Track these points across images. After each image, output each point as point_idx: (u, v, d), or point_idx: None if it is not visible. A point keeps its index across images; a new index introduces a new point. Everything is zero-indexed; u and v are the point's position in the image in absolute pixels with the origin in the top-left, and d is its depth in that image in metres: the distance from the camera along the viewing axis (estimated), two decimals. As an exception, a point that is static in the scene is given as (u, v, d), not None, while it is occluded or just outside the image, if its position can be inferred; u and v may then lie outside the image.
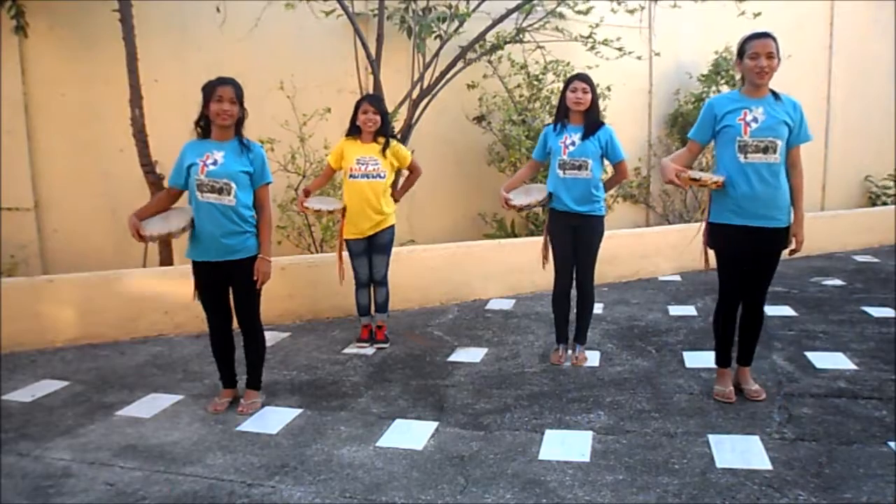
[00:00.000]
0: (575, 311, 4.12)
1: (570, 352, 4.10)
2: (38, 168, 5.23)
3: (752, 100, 3.19)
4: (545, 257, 4.06)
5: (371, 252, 4.33)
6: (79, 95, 5.26)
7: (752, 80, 3.15)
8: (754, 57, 3.11)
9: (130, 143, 4.90)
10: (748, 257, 3.28)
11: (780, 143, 3.14)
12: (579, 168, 3.86)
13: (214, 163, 3.24)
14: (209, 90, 3.24)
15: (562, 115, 3.98)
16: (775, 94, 3.21)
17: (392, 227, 4.35)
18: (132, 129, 4.87)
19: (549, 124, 4.10)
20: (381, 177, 4.21)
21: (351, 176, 4.22)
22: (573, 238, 3.97)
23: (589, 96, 3.86)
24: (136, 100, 4.85)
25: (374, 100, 4.30)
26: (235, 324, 3.50)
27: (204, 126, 3.33)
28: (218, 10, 5.37)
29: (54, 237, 5.31)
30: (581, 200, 3.89)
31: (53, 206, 5.29)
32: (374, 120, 4.17)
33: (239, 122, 3.32)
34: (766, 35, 3.14)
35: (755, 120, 3.14)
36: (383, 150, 4.22)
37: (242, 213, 3.28)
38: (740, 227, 3.21)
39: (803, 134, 3.20)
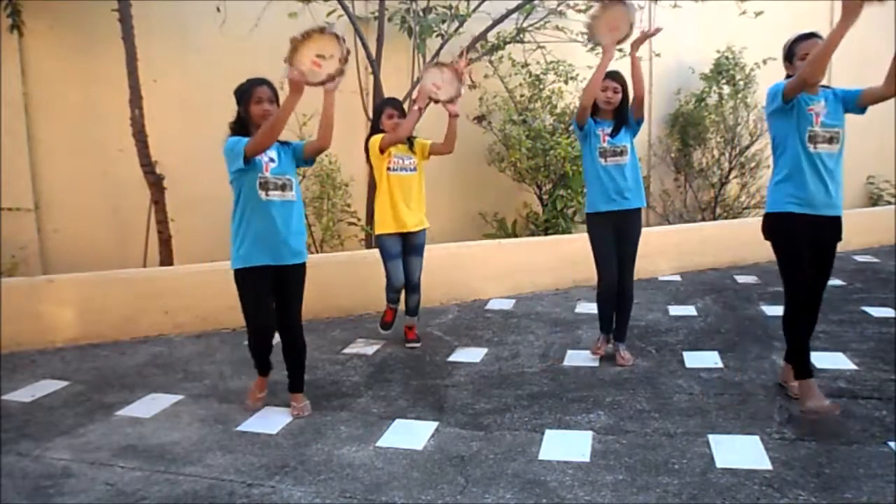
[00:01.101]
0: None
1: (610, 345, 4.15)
2: (38, 168, 5.23)
3: (811, 96, 3.21)
4: None
5: (406, 254, 4.33)
6: (79, 95, 5.26)
7: (811, 80, 3.12)
8: (805, 58, 3.12)
9: (130, 143, 4.90)
10: (810, 251, 3.25)
11: (842, 133, 3.22)
12: (621, 154, 3.86)
13: (271, 160, 3.21)
14: (247, 92, 3.21)
15: (592, 111, 3.94)
16: (828, 88, 3.28)
17: (426, 229, 4.39)
18: (132, 129, 4.87)
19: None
20: (415, 170, 4.30)
21: (392, 169, 4.23)
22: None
23: (619, 96, 3.86)
24: (135, 100, 4.85)
25: (396, 104, 4.36)
26: None
27: (240, 128, 3.23)
28: (218, 10, 5.37)
29: (54, 237, 5.31)
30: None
31: (53, 206, 5.29)
32: (401, 123, 4.21)
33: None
34: (814, 35, 3.19)
35: (819, 113, 3.20)
36: (411, 147, 4.30)
37: (301, 211, 3.32)
38: (804, 217, 3.20)
39: (850, 92, 3.27)
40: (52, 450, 3.04)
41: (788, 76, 3.28)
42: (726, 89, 7.43)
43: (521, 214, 6.75)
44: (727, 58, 7.37)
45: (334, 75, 3.13)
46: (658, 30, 3.88)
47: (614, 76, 3.85)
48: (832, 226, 3.26)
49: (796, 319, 3.26)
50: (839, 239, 3.30)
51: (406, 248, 4.33)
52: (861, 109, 3.27)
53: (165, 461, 2.92)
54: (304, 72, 3.08)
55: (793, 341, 3.28)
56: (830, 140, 3.20)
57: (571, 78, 6.42)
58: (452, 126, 4.23)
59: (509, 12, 5.73)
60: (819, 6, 8.31)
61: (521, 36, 6.06)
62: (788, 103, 3.17)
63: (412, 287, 4.40)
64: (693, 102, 7.42)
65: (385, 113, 4.28)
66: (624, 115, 3.90)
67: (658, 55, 7.11)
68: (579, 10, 6.08)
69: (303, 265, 3.33)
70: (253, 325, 3.30)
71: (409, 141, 4.30)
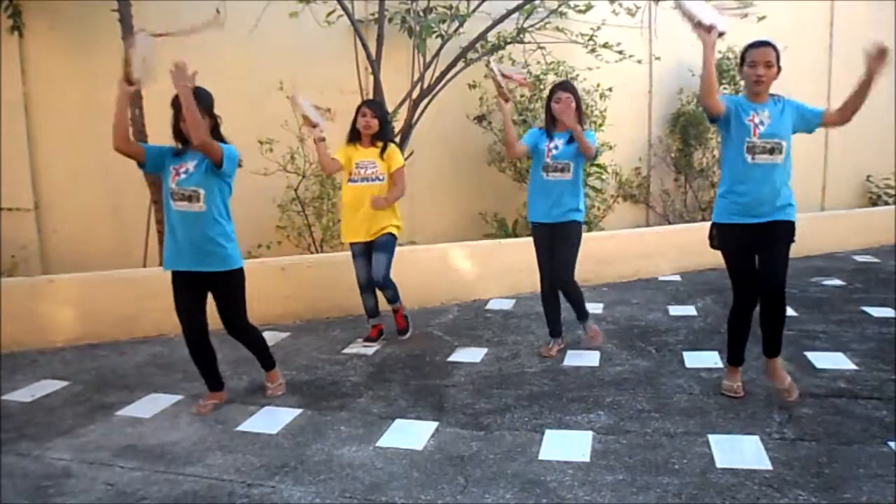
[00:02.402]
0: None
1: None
2: (38, 168, 5.23)
3: (756, 104, 3.24)
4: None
5: (373, 251, 4.31)
6: (79, 95, 5.26)
7: (751, 87, 3.22)
8: (752, 65, 3.19)
9: (130, 143, 4.89)
10: (753, 251, 3.30)
11: (785, 144, 3.19)
12: (562, 171, 3.97)
13: (186, 172, 3.27)
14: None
15: (549, 123, 4.07)
16: (774, 98, 3.27)
17: (391, 233, 4.29)
18: (132, 129, 4.87)
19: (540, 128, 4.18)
20: (379, 180, 4.22)
21: (350, 180, 4.24)
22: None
23: (573, 105, 3.93)
24: (135, 100, 4.85)
25: (372, 104, 4.32)
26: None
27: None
28: (218, 10, 5.36)
29: (54, 237, 5.31)
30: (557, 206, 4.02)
31: (53, 206, 5.29)
32: (370, 123, 4.19)
33: (214, 129, 3.31)
34: (765, 43, 3.21)
35: (762, 123, 3.20)
36: (381, 154, 4.24)
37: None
38: (745, 226, 3.25)
39: (809, 110, 3.25)
40: (52, 450, 3.04)
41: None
42: (727, 90, 7.42)
43: (521, 214, 6.74)
44: (728, 58, 7.36)
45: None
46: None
47: (565, 86, 3.99)
48: (775, 227, 3.24)
49: (733, 322, 3.44)
50: (786, 239, 3.27)
51: (373, 247, 4.31)
52: (811, 129, 3.30)
53: (165, 461, 2.92)
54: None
55: (730, 334, 3.48)
56: (771, 151, 3.18)
57: (571, 78, 6.41)
58: (390, 194, 4.24)
59: (509, 12, 5.73)
60: (818, 6, 8.31)
61: (522, 36, 6.06)
62: (711, 118, 3.26)
63: (381, 284, 4.32)
64: (694, 102, 7.41)
65: (359, 111, 4.26)
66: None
67: (658, 58, 7.12)
68: (579, 11, 6.09)
69: (225, 272, 3.33)
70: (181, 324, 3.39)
71: (384, 146, 4.24)
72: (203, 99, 3.26)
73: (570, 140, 3.96)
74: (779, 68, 3.21)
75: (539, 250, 4.15)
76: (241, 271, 3.38)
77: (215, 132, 3.30)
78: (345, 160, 4.27)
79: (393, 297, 4.44)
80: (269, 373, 3.67)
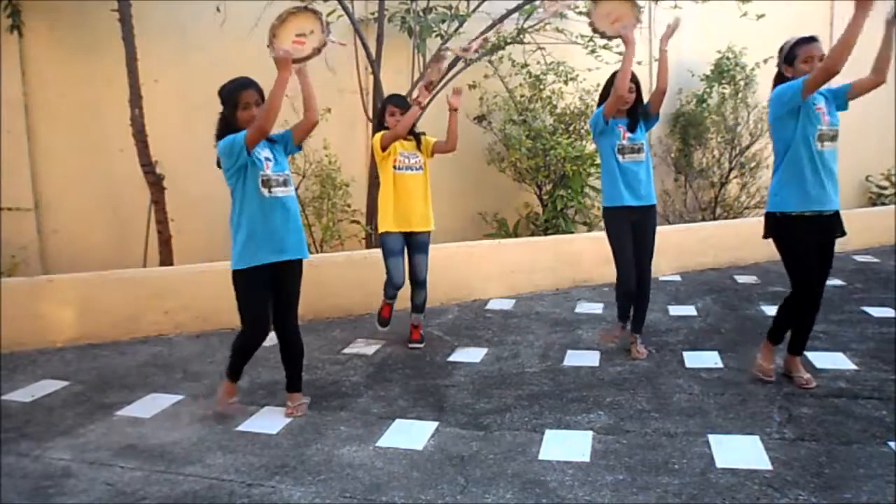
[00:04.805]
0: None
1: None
2: (38, 168, 5.23)
3: (815, 96, 3.28)
4: None
5: (411, 252, 4.31)
6: (79, 95, 5.26)
7: (818, 83, 3.20)
8: (808, 61, 3.23)
9: (130, 143, 4.90)
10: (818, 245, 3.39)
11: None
12: (639, 151, 3.99)
13: (268, 160, 3.21)
14: (233, 96, 3.15)
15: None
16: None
17: (430, 231, 4.33)
18: (132, 128, 4.87)
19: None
20: (421, 169, 4.26)
21: (397, 168, 4.20)
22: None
23: (633, 95, 3.94)
24: (135, 100, 4.85)
25: (398, 102, 4.29)
26: None
27: (226, 133, 3.15)
28: (218, 9, 5.37)
29: (54, 237, 5.31)
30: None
31: (53, 206, 5.29)
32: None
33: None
34: (815, 39, 3.27)
35: (825, 112, 3.30)
36: (418, 145, 4.28)
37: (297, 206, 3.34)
38: (815, 216, 3.32)
39: (837, 88, 3.36)
40: (52, 450, 3.04)
41: (786, 78, 3.29)
42: (727, 89, 7.42)
43: (521, 214, 6.75)
44: (728, 58, 7.37)
45: (319, 48, 3.17)
46: (678, 20, 3.89)
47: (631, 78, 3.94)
48: (833, 221, 3.37)
49: (789, 313, 3.51)
50: (842, 233, 3.40)
51: (410, 246, 4.31)
52: (846, 105, 3.39)
53: (165, 461, 2.92)
54: (289, 50, 3.11)
55: (779, 324, 3.58)
56: (833, 138, 3.31)
57: (571, 79, 6.42)
58: (452, 122, 4.20)
59: (509, 12, 5.73)
60: (818, 6, 8.31)
61: (521, 37, 6.06)
62: (805, 100, 3.24)
63: (419, 284, 4.36)
64: (694, 103, 7.42)
65: (387, 110, 4.25)
66: (637, 114, 3.98)
67: (657, 60, 7.10)
68: (579, 13, 6.08)
69: (302, 261, 3.34)
70: (250, 326, 3.25)
71: (416, 138, 4.28)
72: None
73: (633, 125, 3.97)
74: None
75: (624, 238, 3.99)
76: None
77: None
78: (391, 150, 4.20)
79: (423, 305, 4.44)
80: (292, 395, 3.45)
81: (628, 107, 3.95)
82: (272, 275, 3.23)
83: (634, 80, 3.94)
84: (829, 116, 3.31)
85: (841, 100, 3.37)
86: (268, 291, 3.24)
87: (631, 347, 4.17)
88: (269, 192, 3.16)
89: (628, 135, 3.96)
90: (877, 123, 8.54)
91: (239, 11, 5.50)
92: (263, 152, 3.21)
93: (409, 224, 4.23)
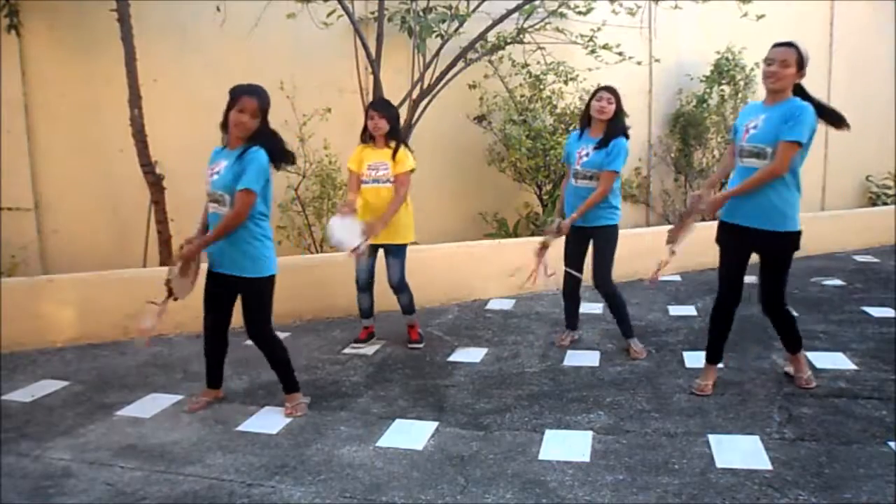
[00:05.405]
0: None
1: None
2: (38, 168, 5.22)
3: (764, 108, 3.27)
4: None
5: (385, 256, 4.29)
6: (79, 95, 5.25)
7: (764, 84, 3.25)
8: (768, 62, 3.20)
9: (130, 143, 4.89)
10: (741, 256, 3.44)
11: (770, 150, 3.17)
12: (591, 178, 4.03)
13: (217, 173, 3.26)
14: (234, 96, 3.22)
15: (584, 123, 4.15)
16: (791, 101, 3.19)
17: (403, 244, 4.25)
18: (132, 129, 4.87)
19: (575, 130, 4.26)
20: (389, 182, 4.14)
21: (362, 182, 4.20)
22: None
23: (612, 107, 3.96)
24: (134, 100, 4.84)
25: (377, 105, 4.24)
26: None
27: (224, 125, 3.29)
28: (218, 9, 5.37)
29: (54, 237, 5.31)
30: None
31: (53, 206, 5.28)
32: (378, 125, 4.11)
33: (257, 134, 3.27)
34: (786, 44, 3.18)
35: (755, 127, 3.25)
36: (394, 155, 4.15)
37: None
38: (733, 226, 3.38)
39: (785, 131, 3.12)
40: (52, 450, 3.04)
41: (810, 95, 3.28)
42: (727, 90, 7.42)
43: (521, 214, 6.75)
44: (727, 58, 7.37)
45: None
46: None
47: (609, 89, 4.01)
48: (761, 237, 3.29)
49: (714, 316, 3.61)
50: (775, 251, 3.32)
51: (385, 251, 4.29)
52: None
53: (165, 461, 2.92)
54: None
55: (709, 331, 3.63)
56: (757, 155, 3.24)
57: (571, 79, 6.42)
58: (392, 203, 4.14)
59: (509, 12, 5.73)
60: (818, 6, 8.31)
61: (521, 37, 6.06)
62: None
63: (395, 288, 4.31)
64: (694, 103, 7.41)
65: (367, 114, 4.22)
66: (612, 131, 3.99)
67: (658, 61, 7.11)
68: (579, 13, 6.09)
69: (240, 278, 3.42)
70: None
71: (397, 146, 4.16)
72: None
73: (599, 146, 4.00)
74: (798, 70, 3.18)
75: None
76: None
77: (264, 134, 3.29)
78: (357, 164, 4.22)
79: (408, 306, 4.39)
80: (288, 395, 3.47)
81: (608, 118, 3.98)
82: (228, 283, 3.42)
83: (612, 90, 4.00)
84: (757, 133, 3.23)
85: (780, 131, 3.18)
86: (212, 299, 3.52)
87: (628, 349, 4.19)
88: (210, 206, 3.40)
89: (583, 160, 4.04)
90: (877, 123, 8.55)
91: (239, 11, 5.50)
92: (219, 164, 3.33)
93: (374, 237, 4.16)
